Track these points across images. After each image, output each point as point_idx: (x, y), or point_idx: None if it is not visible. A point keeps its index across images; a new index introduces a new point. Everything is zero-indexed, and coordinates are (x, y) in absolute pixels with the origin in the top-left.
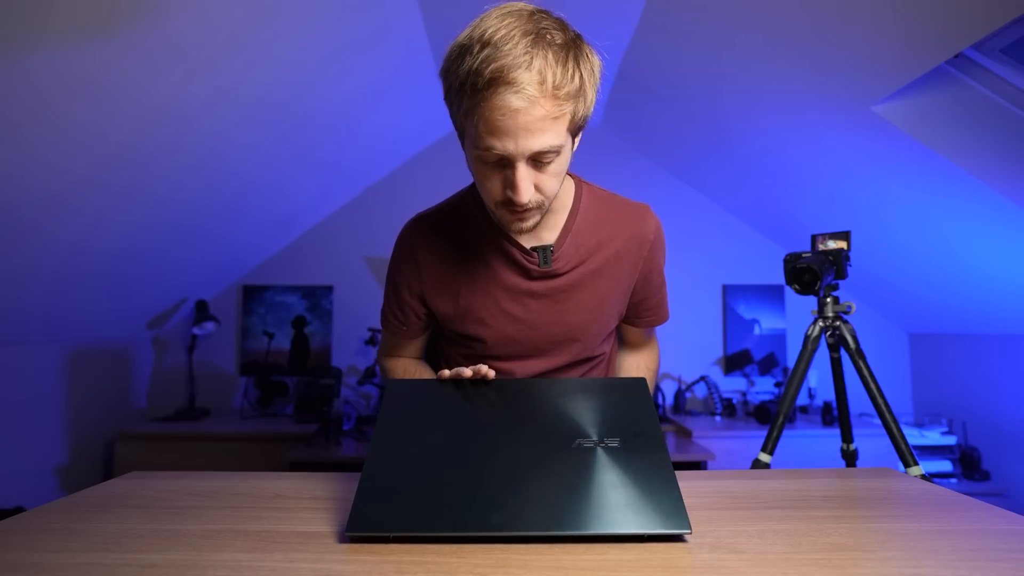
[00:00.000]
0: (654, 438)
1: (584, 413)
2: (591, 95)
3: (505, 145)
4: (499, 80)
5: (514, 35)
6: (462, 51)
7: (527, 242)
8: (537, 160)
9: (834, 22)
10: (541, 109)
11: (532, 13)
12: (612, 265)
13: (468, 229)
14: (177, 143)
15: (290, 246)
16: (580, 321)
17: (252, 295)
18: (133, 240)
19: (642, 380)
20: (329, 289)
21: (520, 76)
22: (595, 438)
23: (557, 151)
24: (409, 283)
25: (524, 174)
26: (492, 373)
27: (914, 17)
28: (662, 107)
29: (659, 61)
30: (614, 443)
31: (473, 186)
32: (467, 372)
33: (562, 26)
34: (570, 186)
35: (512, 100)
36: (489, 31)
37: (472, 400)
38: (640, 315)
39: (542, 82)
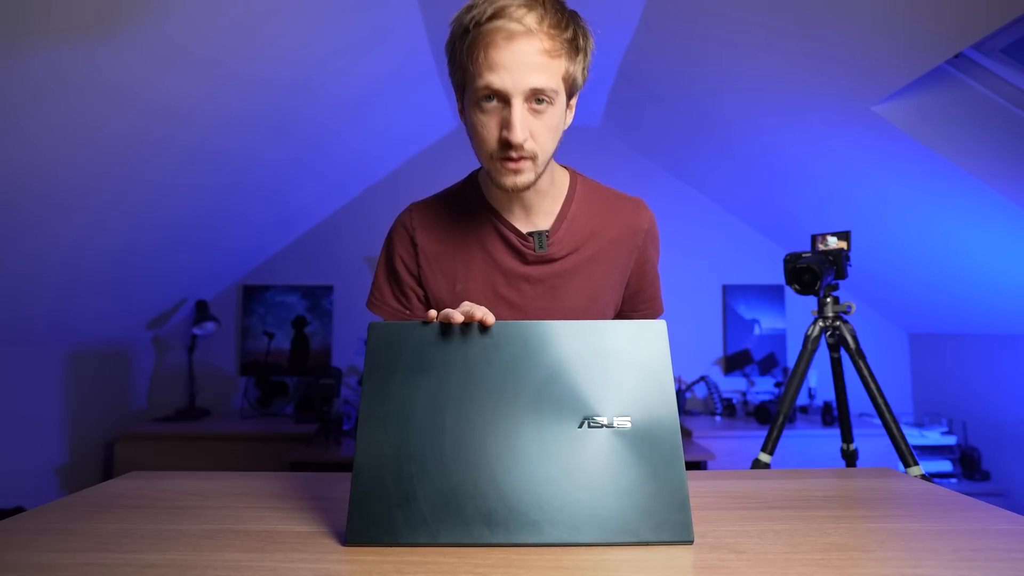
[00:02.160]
0: (668, 416)
1: (594, 373)
2: (583, 61)
3: (503, 79)
4: (500, 14)
5: None
6: (467, 8)
7: (523, 227)
8: (532, 103)
9: (834, 22)
10: (538, 43)
11: None
12: (607, 253)
13: (466, 215)
14: (177, 143)
15: (290, 246)
16: (575, 308)
17: (252, 295)
18: (133, 240)
19: (661, 324)
20: (329, 289)
21: (519, 11)
22: (604, 415)
23: (551, 97)
24: (407, 264)
25: (520, 112)
26: (490, 319)
27: (914, 17)
28: (662, 107)
29: (659, 61)
30: (624, 423)
31: (472, 176)
32: (457, 317)
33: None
34: (565, 176)
35: (512, 26)
36: None
37: (469, 355)
38: (636, 307)
39: (540, 20)
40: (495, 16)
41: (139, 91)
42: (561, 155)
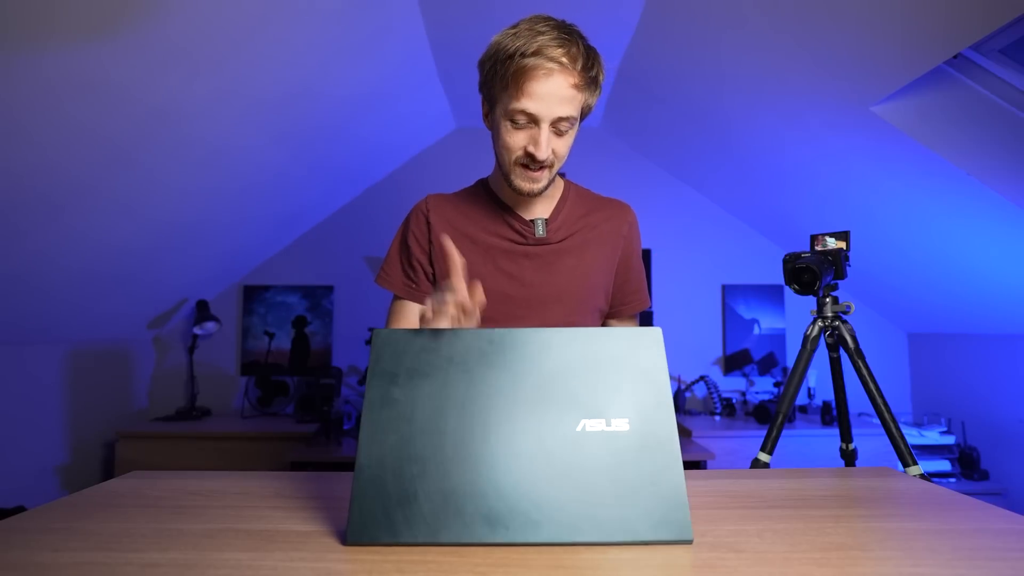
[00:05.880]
0: (665, 417)
1: (591, 379)
2: (597, 93)
3: (537, 106)
4: (540, 51)
5: (554, 28)
6: (514, 35)
7: (526, 216)
8: (556, 127)
9: (833, 22)
10: (570, 79)
11: (564, 21)
12: (596, 240)
13: (476, 204)
14: (179, 143)
15: (290, 246)
16: (568, 283)
17: (253, 295)
18: (134, 240)
19: (656, 331)
20: (329, 289)
21: (558, 51)
22: (602, 417)
23: (573, 122)
24: (418, 239)
25: (547, 134)
26: (478, 298)
27: (913, 17)
28: (662, 107)
29: (659, 61)
30: (622, 424)
31: (482, 180)
32: (450, 309)
33: (583, 34)
34: (560, 181)
35: (550, 64)
36: (532, 24)
37: (470, 360)
38: (624, 300)
39: (573, 60)
40: (537, 53)
41: (142, 92)
42: None
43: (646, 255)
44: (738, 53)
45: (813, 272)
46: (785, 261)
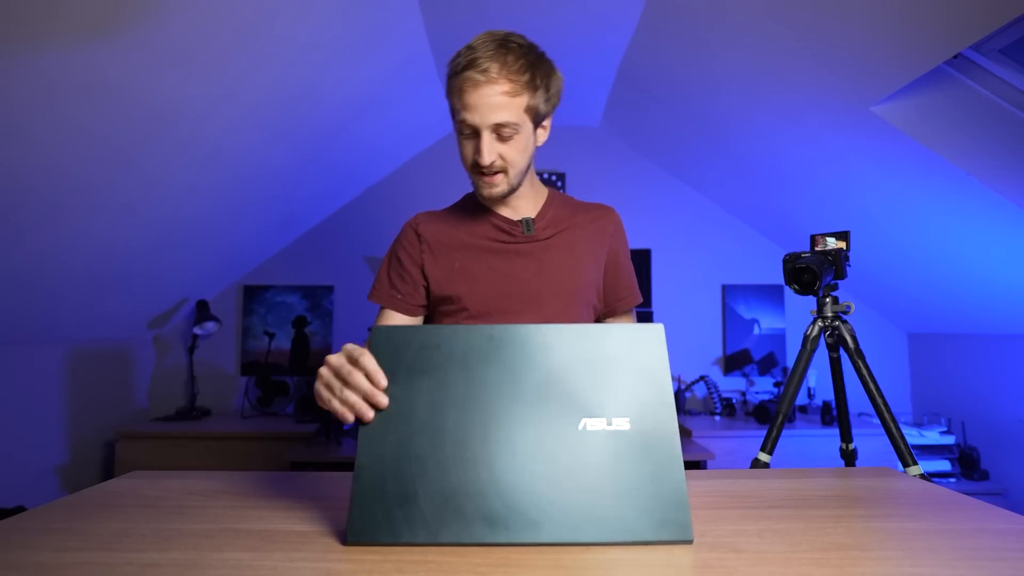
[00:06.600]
0: (666, 416)
1: (592, 377)
2: (544, 94)
3: (472, 116)
4: (471, 65)
5: (488, 43)
6: (456, 55)
7: (513, 218)
8: (499, 133)
9: (833, 22)
10: (499, 87)
11: (508, 34)
12: (584, 238)
13: (465, 214)
14: (178, 143)
15: (290, 246)
16: (560, 277)
17: (253, 295)
18: (134, 240)
19: (658, 327)
20: (329, 289)
21: (486, 63)
22: (603, 416)
23: (515, 127)
24: (411, 253)
25: (487, 141)
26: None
27: (913, 17)
28: (662, 107)
29: (659, 62)
30: (623, 424)
31: (470, 193)
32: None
33: (529, 44)
34: (544, 189)
35: (478, 76)
36: (473, 42)
37: (469, 358)
38: (620, 297)
39: (501, 68)
40: (467, 66)
41: (141, 92)
42: (562, 155)
43: (646, 255)
44: (738, 53)
45: (813, 272)
46: (785, 261)
